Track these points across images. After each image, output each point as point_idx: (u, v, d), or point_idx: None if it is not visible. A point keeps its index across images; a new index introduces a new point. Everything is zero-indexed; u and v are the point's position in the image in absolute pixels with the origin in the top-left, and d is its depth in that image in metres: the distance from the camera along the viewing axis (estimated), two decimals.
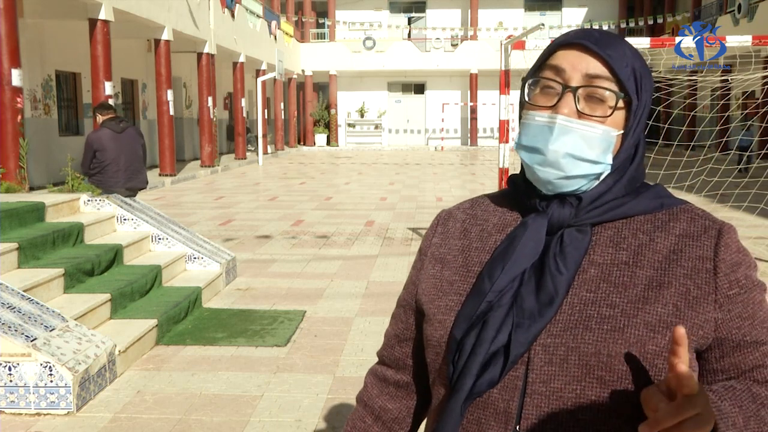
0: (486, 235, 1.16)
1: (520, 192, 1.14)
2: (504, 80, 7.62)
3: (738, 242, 1.07)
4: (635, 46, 1.13)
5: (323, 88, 35.21)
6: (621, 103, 1.06)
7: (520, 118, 1.12)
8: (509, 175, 1.20)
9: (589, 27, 1.22)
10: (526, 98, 1.10)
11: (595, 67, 1.05)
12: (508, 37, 7.81)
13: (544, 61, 1.10)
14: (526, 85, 1.11)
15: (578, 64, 1.06)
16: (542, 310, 1.02)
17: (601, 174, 1.07)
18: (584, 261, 1.06)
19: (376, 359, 1.36)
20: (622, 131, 1.08)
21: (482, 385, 1.03)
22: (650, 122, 1.19)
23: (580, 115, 1.05)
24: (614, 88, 1.05)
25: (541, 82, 1.09)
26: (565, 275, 1.04)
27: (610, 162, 1.07)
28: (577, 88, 1.05)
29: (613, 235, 1.08)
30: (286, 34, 30.61)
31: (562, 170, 1.05)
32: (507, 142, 7.79)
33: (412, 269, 1.27)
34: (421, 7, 35.66)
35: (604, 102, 1.05)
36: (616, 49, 1.06)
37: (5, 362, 3.86)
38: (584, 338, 1.00)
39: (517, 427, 1.02)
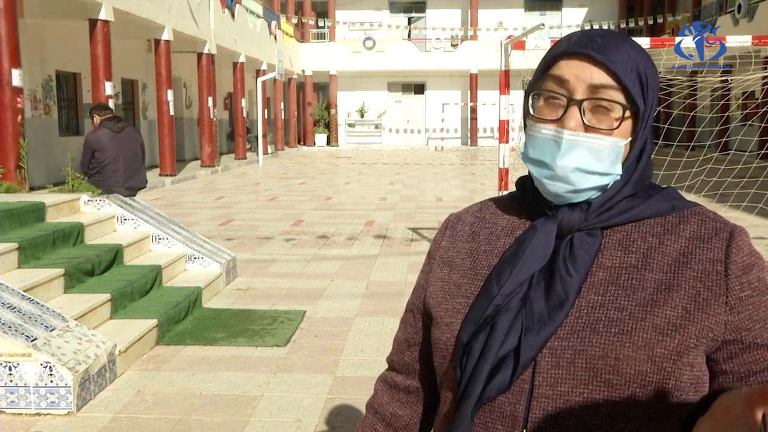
0: (494, 239, 1.15)
1: (529, 196, 1.14)
2: (504, 80, 7.62)
3: (750, 245, 1.06)
4: None
5: (323, 88, 35.21)
6: (627, 113, 1.05)
7: (525, 128, 1.11)
8: (518, 177, 1.19)
9: (589, 27, 1.20)
10: (531, 110, 1.09)
11: (600, 76, 1.03)
12: (508, 37, 7.81)
13: (546, 70, 1.09)
14: (530, 96, 1.10)
15: (582, 75, 1.04)
16: (552, 314, 1.02)
17: (609, 184, 1.07)
18: (593, 264, 1.05)
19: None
20: (630, 139, 1.07)
21: (492, 390, 1.02)
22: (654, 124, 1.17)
23: (587, 128, 1.04)
24: (620, 97, 1.04)
25: (544, 94, 1.07)
26: (576, 278, 1.03)
27: (620, 172, 1.06)
28: (582, 100, 1.04)
29: (622, 239, 1.07)
30: (286, 34, 30.60)
31: (571, 184, 1.05)
32: (507, 142, 7.79)
33: (420, 273, 1.26)
34: (421, 7, 35.66)
35: (611, 112, 1.04)
36: (619, 53, 1.04)
37: (5, 362, 3.86)
38: (591, 341, 1.00)
39: (524, 431, 1.02)
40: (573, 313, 1.02)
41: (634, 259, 1.05)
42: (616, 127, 1.04)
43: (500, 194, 7.66)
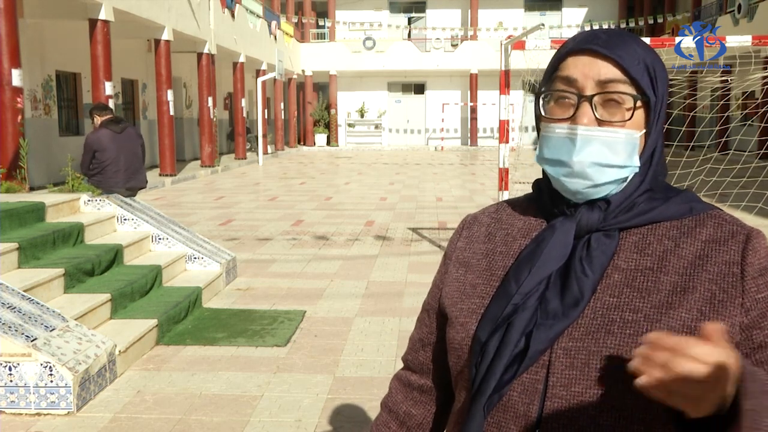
0: (511, 240, 1.16)
1: (545, 197, 1.14)
2: (504, 80, 7.62)
3: (767, 247, 1.05)
4: None
5: (323, 88, 35.21)
6: (639, 104, 1.05)
7: (538, 131, 1.12)
8: (535, 179, 1.19)
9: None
10: (542, 111, 1.10)
11: (607, 71, 1.04)
12: (508, 37, 7.81)
13: (554, 72, 1.09)
14: (540, 98, 1.10)
15: (589, 72, 1.04)
16: (566, 312, 1.02)
17: (628, 177, 1.07)
18: (609, 266, 1.05)
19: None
20: (644, 131, 1.07)
21: (502, 383, 1.03)
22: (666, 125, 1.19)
23: (600, 122, 1.04)
24: (629, 89, 1.04)
25: (554, 94, 1.08)
26: (591, 278, 1.03)
27: (638, 164, 1.06)
28: (592, 96, 1.04)
29: (638, 241, 1.07)
30: (286, 34, 30.60)
31: (590, 179, 1.05)
32: (507, 142, 7.79)
33: (437, 273, 1.27)
34: (421, 7, 35.66)
35: (622, 105, 1.04)
36: (625, 48, 1.05)
37: (5, 362, 3.86)
38: (606, 342, 1.00)
39: (537, 431, 1.02)
40: (588, 315, 1.03)
41: (649, 261, 1.05)
42: (629, 119, 1.04)
43: (500, 194, 7.67)
